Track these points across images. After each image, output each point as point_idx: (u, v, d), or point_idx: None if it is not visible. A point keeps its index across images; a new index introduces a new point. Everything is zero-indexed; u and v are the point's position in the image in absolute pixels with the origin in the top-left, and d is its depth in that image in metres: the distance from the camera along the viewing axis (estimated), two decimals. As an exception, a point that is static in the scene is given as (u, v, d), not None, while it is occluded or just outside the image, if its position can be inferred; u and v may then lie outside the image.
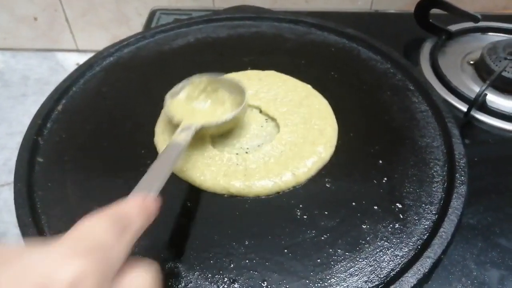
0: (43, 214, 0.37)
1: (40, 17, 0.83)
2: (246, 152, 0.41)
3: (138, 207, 0.25)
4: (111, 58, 0.53)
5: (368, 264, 0.33)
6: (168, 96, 0.41)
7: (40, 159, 0.41)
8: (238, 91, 0.42)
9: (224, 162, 0.39)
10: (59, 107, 0.46)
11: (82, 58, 0.84)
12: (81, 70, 0.50)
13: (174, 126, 0.40)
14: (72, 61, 0.86)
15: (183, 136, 0.37)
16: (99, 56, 0.52)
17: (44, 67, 0.86)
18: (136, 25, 0.82)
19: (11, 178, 0.67)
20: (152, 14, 0.73)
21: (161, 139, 0.42)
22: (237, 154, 0.40)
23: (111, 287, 0.20)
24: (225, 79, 0.44)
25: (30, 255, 0.18)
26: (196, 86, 0.43)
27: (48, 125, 0.45)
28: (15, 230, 0.61)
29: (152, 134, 0.43)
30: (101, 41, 0.85)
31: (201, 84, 0.43)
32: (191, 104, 0.42)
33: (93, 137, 0.44)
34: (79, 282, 0.18)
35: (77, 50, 0.88)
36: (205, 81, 0.43)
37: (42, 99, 0.47)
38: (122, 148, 0.43)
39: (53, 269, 0.18)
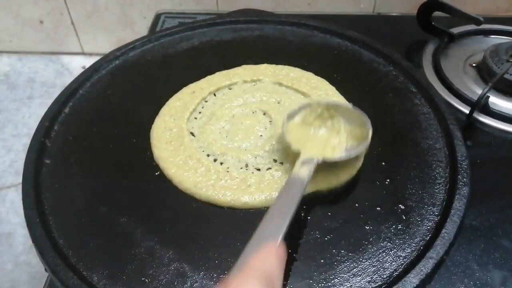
0: (51, 214, 0.38)
1: (46, 20, 0.84)
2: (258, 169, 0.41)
3: (276, 258, 0.24)
4: (117, 61, 0.53)
5: (371, 264, 0.34)
6: (285, 118, 0.40)
7: (47, 161, 0.42)
8: (358, 122, 0.39)
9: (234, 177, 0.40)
10: (66, 110, 0.47)
11: (87, 61, 0.86)
12: (88, 73, 0.51)
13: (291, 154, 0.39)
14: (77, 64, 0.87)
15: (305, 171, 0.35)
16: (105, 59, 0.53)
17: (50, 70, 0.87)
18: (140, 28, 0.83)
19: (17, 179, 0.68)
20: (157, 18, 0.74)
21: (164, 156, 0.41)
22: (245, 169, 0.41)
23: None
24: (345, 107, 0.41)
25: None
26: (313, 110, 0.41)
27: (55, 127, 0.45)
28: (22, 231, 0.62)
29: (157, 136, 0.44)
30: (106, 44, 0.86)
31: (318, 109, 0.41)
32: (305, 129, 0.41)
33: (99, 139, 0.44)
34: None
35: (83, 53, 0.89)
36: (323, 106, 0.41)
37: (47, 101, 0.47)
38: (128, 150, 0.43)
39: None
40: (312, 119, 0.41)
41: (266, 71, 0.51)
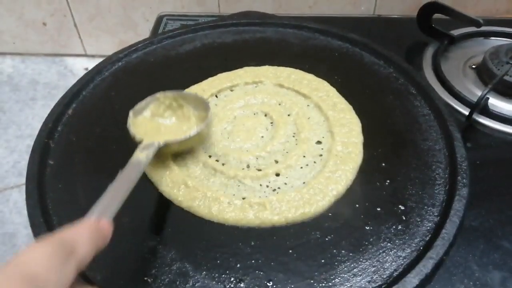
0: (54, 215, 0.38)
1: (49, 22, 0.84)
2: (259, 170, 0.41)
3: (87, 232, 0.25)
4: (120, 63, 0.54)
5: (371, 264, 0.34)
6: (131, 114, 0.41)
7: (51, 162, 0.42)
8: (203, 107, 0.42)
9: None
10: (70, 111, 0.48)
11: (90, 63, 0.86)
12: (91, 74, 0.51)
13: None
14: (80, 66, 0.87)
15: (144, 154, 0.36)
16: (108, 61, 0.53)
17: (53, 71, 0.87)
18: (143, 31, 0.83)
19: (20, 180, 0.68)
20: (159, 20, 0.74)
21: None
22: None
23: None
24: (190, 95, 0.44)
25: None
26: (161, 102, 0.43)
27: (59, 128, 0.46)
28: (25, 231, 0.63)
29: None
30: (108, 46, 0.86)
31: (166, 100, 0.43)
32: (156, 121, 0.42)
33: (102, 140, 0.45)
34: None
35: (85, 55, 0.89)
36: (170, 97, 0.43)
37: (50, 103, 0.48)
38: (130, 151, 0.43)
39: None
40: (161, 111, 0.43)
41: (267, 73, 0.51)
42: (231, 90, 0.50)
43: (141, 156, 0.36)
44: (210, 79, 0.51)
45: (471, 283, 0.38)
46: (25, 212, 0.38)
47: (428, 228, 0.36)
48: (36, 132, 0.44)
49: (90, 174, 0.42)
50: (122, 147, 0.44)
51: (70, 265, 0.23)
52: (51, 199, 0.39)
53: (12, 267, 0.21)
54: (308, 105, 0.47)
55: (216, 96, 0.49)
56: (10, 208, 0.66)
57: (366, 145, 0.43)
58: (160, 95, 0.43)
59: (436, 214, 0.37)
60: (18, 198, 0.67)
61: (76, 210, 0.38)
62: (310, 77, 0.51)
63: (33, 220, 0.37)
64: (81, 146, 0.44)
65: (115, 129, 0.46)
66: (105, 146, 0.44)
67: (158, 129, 0.42)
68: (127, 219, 0.37)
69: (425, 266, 0.33)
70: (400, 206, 0.38)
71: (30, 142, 0.43)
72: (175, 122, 0.43)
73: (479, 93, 0.53)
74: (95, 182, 0.41)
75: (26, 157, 0.42)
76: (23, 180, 0.40)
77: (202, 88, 0.49)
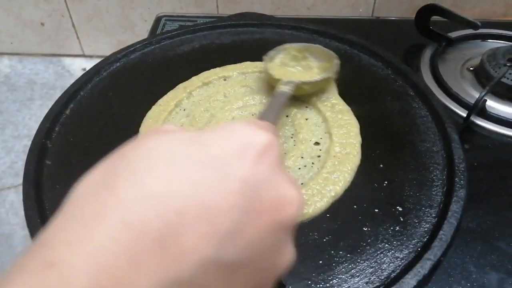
0: (51, 215, 0.38)
1: (47, 22, 0.84)
2: None
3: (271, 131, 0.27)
4: (118, 64, 0.54)
5: (369, 265, 0.34)
6: (266, 59, 0.48)
7: (48, 162, 0.42)
8: (327, 58, 0.48)
9: None
10: (67, 111, 0.47)
11: (88, 63, 0.86)
12: (89, 75, 0.51)
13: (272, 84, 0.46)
14: (78, 66, 0.87)
15: (287, 87, 0.42)
16: (106, 61, 0.53)
17: (50, 72, 0.87)
18: (141, 31, 0.83)
19: (17, 181, 0.68)
20: (157, 21, 0.74)
21: None
22: None
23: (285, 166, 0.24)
24: (315, 47, 0.49)
25: (229, 125, 0.22)
26: (288, 53, 0.49)
27: (56, 128, 0.46)
28: (22, 232, 0.63)
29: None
30: (106, 47, 0.86)
31: (292, 51, 0.49)
32: (285, 67, 0.48)
33: (100, 140, 0.45)
34: (270, 147, 0.21)
35: (83, 55, 0.89)
36: (296, 49, 0.49)
37: (48, 103, 0.48)
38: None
39: (252, 134, 0.22)
40: (288, 61, 0.49)
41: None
42: (224, 80, 0.51)
43: (285, 88, 0.42)
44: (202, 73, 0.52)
45: (468, 284, 0.38)
46: (22, 212, 0.38)
47: (426, 229, 0.36)
48: (34, 132, 0.44)
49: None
50: (120, 147, 0.44)
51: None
52: (48, 199, 0.39)
53: (256, 123, 0.24)
54: (306, 106, 0.47)
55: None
56: (6, 209, 0.66)
57: (364, 147, 0.43)
58: (288, 45, 0.49)
59: (434, 215, 0.37)
60: (15, 198, 0.67)
61: (74, 211, 0.38)
62: None
63: (30, 221, 0.37)
64: (78, 147, 0.44)
65: (113, 130, 0.46)
66: (102, 147, 0.44)
67: (289, 72, 0.47)
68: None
69: (423, 267, 0.33)
70: (397, 207, 0.38)
71: (27, 142, 0.43)
72: (300, 70, 0.48)
73: (476, 95, 0.53)
74: (92, 183, 0.41)
75: (23, 158, 0.42)
76: (20, 180, 0.40)
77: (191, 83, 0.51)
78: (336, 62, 0.47)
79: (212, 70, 0.52)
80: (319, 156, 0.42)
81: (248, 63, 0.53)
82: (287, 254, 0.22)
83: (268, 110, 0.38)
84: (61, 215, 0.19)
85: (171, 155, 0.19)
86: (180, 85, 0.50)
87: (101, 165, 0.20)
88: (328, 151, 0.42)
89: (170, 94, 0.49)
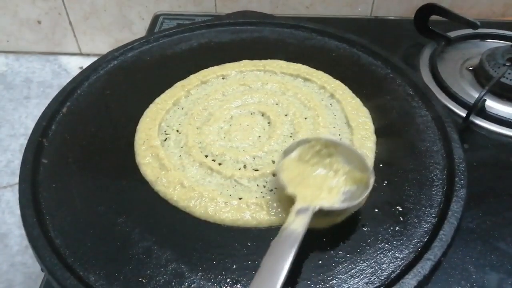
0: (48, 214, 0.37)
1: (44, 21, 0.84)
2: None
3: None
4: (115, 62, 0.53)
5: (369, 266, 0.34)
6: (282, 154, 0.38)
7: (44, 160, 0.42)
8: (358, 164, 0.37)
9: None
10: (64, 109, 0.47)
11: (85, 62, 0.85)
12: (86, 73, 0.51)
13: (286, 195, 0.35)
14: (75, 65, 0.87)
15: (300, 223, 0.32)
16: (104, 59, 0.53)
17: (47, 70, 0.86)
18: (138, 29, 0.83)
19: (13, 179, 0.68)
20: (155, 19, 0.74)
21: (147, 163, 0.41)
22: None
23: None
24: (345, 146, 0.39)
25: None
26: (312, 146, 0.38)
27: (53, 126, 0.45)
28: (18, 231, 0.62)
29: (155, 136, 0.44)
30: (103, 45, 0.86)
31: (317, 145, 0.38)
32: (301, 166, 0.38)
33: (97, 139, 0.44)
34: None
35: (80, 54, 0.88)
36: (322, 143, 0.38)
37: (44, 102, 0.47)
38: (125, 150, 0.43)
39: None
40: (309, 156, 0.38)
41: (274, 64, 0.52)
42: (223, 78, 0.51)
43: (297, 225, 0.32)
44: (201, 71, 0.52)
45: (468, 284, 0.38)
46: (18, 212, 0.37)
47: (426, 229, 0.36)
48: (30, 131, 0.44)
49: (84, 174, 0.41)
50: (117, 146, 0.44)
51: None
52: (45, 198, 0.39)
53: None
54: (305, 106, 0.47)
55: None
56: (2, 208, 0.65)
57: (364, 146, 0.43)
58: (312, 138, 0.39)
59: (434, 215, 0.37)
60: (11, 197, 0.66)
61: (70, 210, 0.38)
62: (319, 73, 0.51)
63: (26, 220, 0.36)
64: (75, 145, 0.44)
65: (109, 128, 0.45)
66: (99, 145, 0.44)
67: (301, 178, 0.37)
68: (121, 219, 0.37)
69: (423, 267, 0.33)
70: (397, 207, 0.38)
71: (24, 141, 0.43)
72: (321, 173, 0.37)
73: (476, 94, 0.53)
74: (89, 182, 0.40)
75: (20, 156, 0.41)
76: (17, 179, 0.39)
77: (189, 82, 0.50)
78: (371, 180, 0.35)
79: (210, 68, 0.52)
80: None
81: (246, 61, 0.53)
82: None
83: (269, 271, 0.28)
84: None
85: None
86: (178, 84, 0.50)
87: None
88: None
89: (168, 92, 0.49)
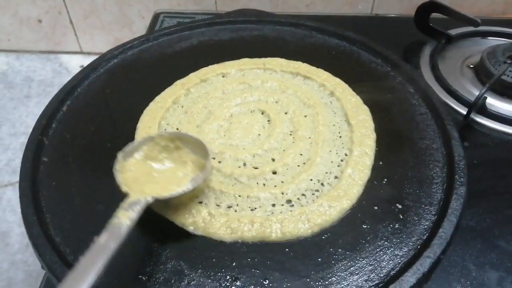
0: (48, 212, 0.38)
1: (44, 19, 0.84)
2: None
3: None
4: (115, 60, 0.53)
5: (368, 263, 0.34)
6: (120, 157, 0.37)
7: (45, 159, 0.42)
8: (202, 152, 0.38)
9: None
10: (64, 108, 0.47)
11: (85, 61, 0.85)
12: (86, 71, 0.51)
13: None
14: (75, 63, 0.87)
15: (127, 215, 0.32)
16: (104, 58, 0.53)
17: (48, 69, 0.86)
18: (138, 28, 0.83)
19: (14, 178, 0.68)
20: (155, 18, 0.74)
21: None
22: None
23: None
24: (189, 137, 0.39)
25: None
26: (156, 143, 0.38)
27: (53, 125, 0.45)
28: (18, 230, 0.62)
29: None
30: (104, 44, 0.86)
31: (161, 141, 0.38)
32: (149, 165, 0.38)
33: (97, 137, 0.44)
34: None
35: (81, 53, 0.88)
36: (166, 138, 0.38)
37: (45, 100, 0.47)
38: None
39: None
40: (156, 153, 0.38)
41: (274, 62, 0.52)
42: (223, 76, 0.51)
43: (123, 219, 0.31)
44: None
45: (468, 282, 0.38)
46: (18, 210, 0.37)
47: (426, 227, 0.36)
48: (31, 129, 0.44)
49: (84, 172, 0.41)
50: (117, 145, 0.43)
51: None
52: (45, 197, 0.39)
53: None
54: (304, 104, 0.47)
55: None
56: (3, 206, 0.65)
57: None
58: (155, 135, 0.39)
59: (434, 213, 0.37)
60: (12, 196, 0.66)
61: (70, 208, 0.38)
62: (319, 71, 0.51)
63: (26, 218, 0.36)
64: (75, 144, 0.44)
65: (109, 127, 0.46)
66: (99, 144, 0.44)
67: (149, 175, 0.37)
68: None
69: (422, 265, 0.33)
70: (397, 204, 0.38)
71: (24, 140, 0.43)
72: (170, 166, 0.38)
73: (476, 92, 0.53)
74: (89, 180, 0.40)
75: (20, 155, 0.41)
76: (17, 178, 0.40)
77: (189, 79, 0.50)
78: (208, 162, 0.37)
79: (210, 66, 0.52)
80: None
81: (246, 59, 0.53)
82: None
83: (78, 272, 0.27)
84: None
85: None
86: (178, 82, 0.50)
87: None
88: None
89: (168, 90, 0.49)
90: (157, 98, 0.48)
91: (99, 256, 0.28)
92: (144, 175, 0.37)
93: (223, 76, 0.51)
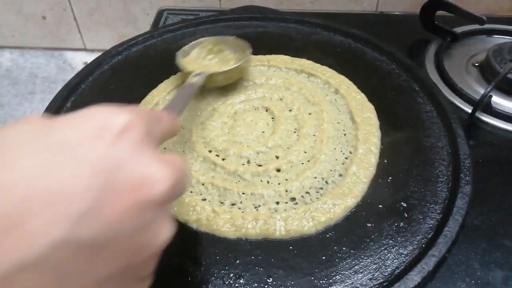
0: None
1: (49, 16, 0.84)
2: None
3: (167, 115, 0.28)
4: (119, 57, 0.53)
5: (372, 262, 0.33)
6: (179, 54, 0.47)
7: (49, 155, 0.42)
8: (241, 49, 0.48)
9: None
10: (68, 104, 0.47)
11: (89, 57, 0.86)
12: (90, 68, 0.51)
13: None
14: (79, 60, 0.87)
15: (196, 79, 0.42)
16: (108, 54, 0.53)
17: (52, 65, 0.87)
18: (143, 25, 0.83)
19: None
20: (159, 14, 0.74)
21: None
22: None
23: (155, 146, 0.23)
24: (230, 39, 0.49)
25: (87, 109, 0.22)
26: (204, 46, 0.49)
27: (57, 121, 0.45)
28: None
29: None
30: (108, 41, 0.86)
31: (208, 45, 0.49)
32: (200, 61, 0.48)
33: (101, 134, 0.44)
34: (130, 127, 0.21)
35: (85, 49, 0.89)
36: (212, 42, 0.49)
37: (49, 97, 0.47)
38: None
39: (109, 117, 0.21)
40: (204, 55, 0.49)
41: (279, 59, 0.52)
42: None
43: (194, 79, 0.42)
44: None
45: (472, 281, 0.38)
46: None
47: (431, 225, 0.36)
48: (34, 125, 0.44)
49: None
50: None
51: (159, 129, 0.25)
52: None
53: (137, 109, 0.23)
54: (309, 101, 0.47)
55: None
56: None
57: (368, 142, 0.43)
58: (203, 39, 0.49)
59: (439, 211, 0.37)
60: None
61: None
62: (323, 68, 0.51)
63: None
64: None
65: (114, 123, 0.45)
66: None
67: (203, 65, 0.47)
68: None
69: (427, 264, 0.32)
70: (402, 203, 0.38)
71: (28, 136, 0.43)
72: (217, 63, 0.48)
73: (481, 90, 0.53)
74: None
75: (24, 151, 0.41)
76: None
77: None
78: (248, 51, 0.47)
79: None
80: None
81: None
82: (163, 231, 0.22)
83: (173, 102, 0.37)
84: None
85: (21, 143, 0.19)
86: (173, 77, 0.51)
87: None
88: None
89: (167, 82, 0.50)
90: (154, 91, 0.48)
91: (182, 98, 0.38)
92: (199, 66, 0.47)
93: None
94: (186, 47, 0.48)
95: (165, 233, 0.22)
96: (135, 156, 0.21)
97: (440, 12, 0.62)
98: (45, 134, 0.20)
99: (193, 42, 0.49)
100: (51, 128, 0.20)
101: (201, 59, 0.48)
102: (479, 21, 0.59)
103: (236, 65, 0.46)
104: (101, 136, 0.20)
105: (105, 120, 0.21)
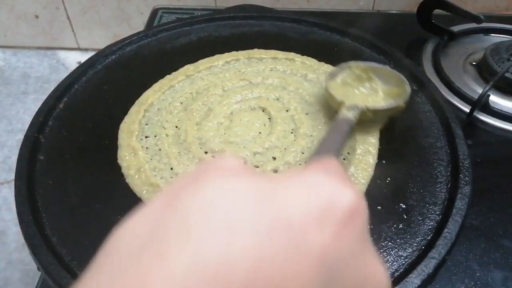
0: (44, 212, 0.37)
1: (41, 15, 0.83)
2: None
3: (336, 166, 0.23)
4: (113, 56, 0.52)
5: (371, 264, 0.33)
6: (327, 76, 0.43)
7: (41, 157, 0.41)
8: (395, 82, 0.43)
9: None
10: (61, 105, 0.46)
11: (83, 57, 0.85)
12: (83, 68, 0.50)
13: (335, 107, 0.41)
14: (72, 59, 0.86)
15: (351, 114, 0.38)
16: (101, 54, 0.52)
17: (45, 65, 0.85)
18: (137, 24, 0.82)
19: (10, 176, 0.67)
20: (154, 13, 0.73)
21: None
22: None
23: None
24: (382, 68, 0.45)
25: (309, 175, 0.18)
26: (352, 72, 0.44)
27: (50, 122, 0.44)
28: (15, 228, 0.61)
29: (154, 132, 0.43)
30: (102, 40, 0.85)
31: (357, 70, 0.44)
32: (345, 88, 0.44)
33: (94, 135, 0.44)
34: (357, 211, 0.18)
35: (78, 49, 0.87)
36: (361, 68, 0.44)
37: (42, 97, 0.46)
38: (123, 148, 0.42)
39: (336, 192, 0.18)
40: (350, 81, 0.44)
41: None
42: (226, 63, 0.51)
43: (350, 114, 0.38)
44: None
45: (472, 283, 0.38)
46: (15, 208, 0.36)
47: (430, 227, 0.35)
48: (27, 126, 0.43)
49: (81, 171, 0.40)
50: (115, 143, 0.43)
51: None
52: (41, 195, 0.38)
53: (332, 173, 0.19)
54: (306, 101, 0.46)
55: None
56: (0, 204, 0.65)
57: (366, 142, 0.42)
58: (352, 63, 0.44)
59: (438, 212, 0.36)
60: (8, 194, 0.65)
61: (66, 207, 0.37)
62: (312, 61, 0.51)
63: (22, 217, 0.36)
64: (72, 141, 0.43)
65: (107, 124, 0.45)
66: (97, 142, 0.43)
67: (347, 95, 0.42)
68: (119, 217, 0.36)
69: (427, 266, 0.32)
70: (401, 204, 0.37)
71: (21, 137, 0.42)
72: (363, 92, 0.44)
73: (479, 90, 0.52)
74: (86, 179, 0.40)
75: (17, 152, 0.41)
76: (14, 175, 0.39)
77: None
78: (407, 89, 0.42)
79: (195, 63, 0.51)
80: None
81: (235, 52, 0.52)
82: None
83: (330, 140, 0.33)
84: (97, 271, 0.16)
85: (236, 212, 0.16)
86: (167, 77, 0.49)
87: (149, 209, 0.17)
88: None
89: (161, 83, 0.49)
90: (149, 92, 0.48)
91: (339, 137, 0.34)
92: (347, 95, 0.42)
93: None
94: (333, 70, 0.44)
95: None
96: (359, 250, 0.18)
97: (437, 11, 0.62)
98: (265, 205, 0.16)
99: (341, 65, 0.45)
100: (272, 198, 0.17)
101: (346, 84, 0.44)
102: (477, 20, 0.59)
103: (393, 103, 0.41)
104: (326, 220, 0.17)
105: (332, 196, 0.17)
